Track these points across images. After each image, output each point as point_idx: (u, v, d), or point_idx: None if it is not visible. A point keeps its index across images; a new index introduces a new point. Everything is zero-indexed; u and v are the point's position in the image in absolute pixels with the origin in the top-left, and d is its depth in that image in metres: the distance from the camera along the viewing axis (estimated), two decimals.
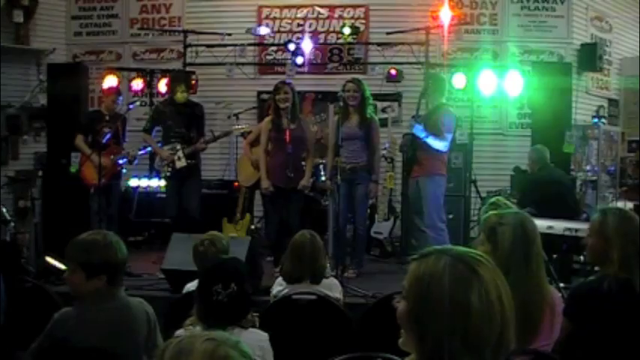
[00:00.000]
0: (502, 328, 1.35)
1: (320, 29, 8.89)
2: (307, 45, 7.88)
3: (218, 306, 2.52)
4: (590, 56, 8.82)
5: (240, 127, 7.19)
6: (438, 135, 5.82)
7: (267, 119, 6.04)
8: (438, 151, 5.86)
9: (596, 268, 2.91)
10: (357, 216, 6.04)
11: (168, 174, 6.36)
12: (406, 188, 6.95)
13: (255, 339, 2.59)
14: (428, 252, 1.43)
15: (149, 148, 6.71)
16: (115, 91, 6.85)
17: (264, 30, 8.46)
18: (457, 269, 1.37)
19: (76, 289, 2.65)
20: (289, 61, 8.18)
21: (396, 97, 8.50)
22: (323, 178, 7.10)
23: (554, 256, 5.27)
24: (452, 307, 1.33)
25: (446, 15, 7.85)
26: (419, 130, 5.81)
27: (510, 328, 1.37)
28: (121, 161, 6.45)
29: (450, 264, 1.37)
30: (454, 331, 1.32)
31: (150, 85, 8.33)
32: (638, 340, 2.50)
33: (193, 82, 7.65)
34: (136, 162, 6.68)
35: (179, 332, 2.68)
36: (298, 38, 8.50)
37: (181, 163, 6.29)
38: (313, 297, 3.63)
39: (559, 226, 5.25)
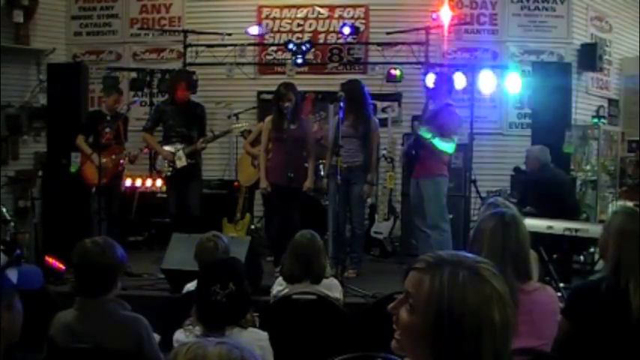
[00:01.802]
0: (513, 337, 1.35)
1: (320, 29, 8.89)
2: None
3: (217, 306, 2.52)
4: (590, 56, 8.81)
5: (239, 125, 7.18)
6: (444, 136, 5.76)
7: (268, 119, 6.04)
8: (442, 152, 5.80)
9: (596, 268, 2.92)
10: (353, 215, 6.03)
11: (168, 174, 6.37)
12: (406, 188, 6.94)
13: (254, 338, 2.59)
14: (436, 262, 1.38)
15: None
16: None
17: (253, 30, 8.44)
18: (477, 285, 1.33)
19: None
20: (289, 61, 8.18)
21: (396, 97, 8.51)
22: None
23: (554, 256, 5.27)
24: (478, 326, 1.31)
25: (446, 15, 7.85)
26: (425, 132, 5.77)
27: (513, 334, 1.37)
28: (122, 161, 6.46)
29: (470, 279, 1.34)
30: (480, 349, 1.31)
31: (150, 85, 8.34)
32: (636, 341, 2.50)
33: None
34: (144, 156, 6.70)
35: (179, 332, 2.69)
36: (298, 38, 8.52)
37: (182, 163, 6.29)
38: (313, 297, 3.63)
39: (559, 226, 5.25)
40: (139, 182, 7.82)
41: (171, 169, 6.32)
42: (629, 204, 7.41)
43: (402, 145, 7.62)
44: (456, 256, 1.40)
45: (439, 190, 5.87)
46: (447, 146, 5.76)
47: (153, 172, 7.55)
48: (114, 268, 2.67)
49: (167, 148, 6.36)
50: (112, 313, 2.66)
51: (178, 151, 6.30)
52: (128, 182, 7.64)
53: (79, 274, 2.71)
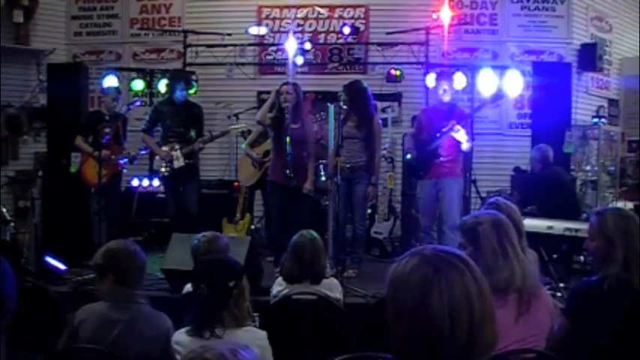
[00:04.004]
0: (471, 326, 1.33)
1: (320, 29, 8.89)
2: (292, 44, 7.74)
3: (196, 306, 2.55)
4: (590, 56, 8.81)
5: (237, 126, 7.16)
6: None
7: (270, 115, 6.00)
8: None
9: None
10: (355, 215, 6.03)
11: (166, 174, 6.36)
12: (407, 188, 6.94)
13: (252, 338, 2.58)
14: (405, 254, 1.46)
15: (148, 149, 6.72)
16: (115, 90, 6.86)
17: (253, 30, 8.45)
18: (421, 270, 1.38)
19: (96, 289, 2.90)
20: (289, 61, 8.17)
21: (396, 97, 8.51)
22: (323, 179, 7.09)
23: (554, 256, 5.27)
24: (412, 310, 1.34)
25: (446, 15, 7.85)
26: (464, 134, 5.81)
27: (485, 326, 1.35)
28: (121, 161, 6.45)
29: (417, 265, 1.40)
30: (414, 333, 1.33)
31: (150, 85, 8.33)
32: (638, 340, 2.50)
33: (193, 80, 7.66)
34: (135, 162, 6.68)
35: (178, 333, 2.68)
36: (298, 38, 8.51)
37: (179, 163, 6.29)
38: (313, 297, 3.63)
39: (559, 226, 5.25)
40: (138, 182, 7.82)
41: (168, 169, 6.32)
42: (630, 204, 7.42)
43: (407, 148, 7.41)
44: (423, 248, 1.51)
45: (461, 189, 6.03)
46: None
47: (152, 172, 7.55)
48: (103, 267, 2.89)
49: (165, 148, 6.36)
50: (141, 306, 2.82)
51: (176, 151, 6.30)
52: (131, 182, 7.66)
53: None
